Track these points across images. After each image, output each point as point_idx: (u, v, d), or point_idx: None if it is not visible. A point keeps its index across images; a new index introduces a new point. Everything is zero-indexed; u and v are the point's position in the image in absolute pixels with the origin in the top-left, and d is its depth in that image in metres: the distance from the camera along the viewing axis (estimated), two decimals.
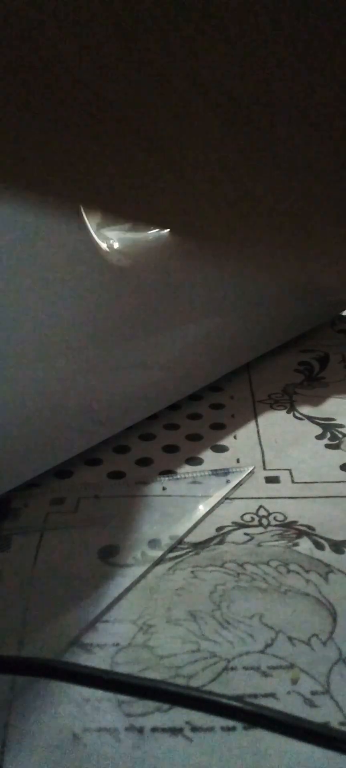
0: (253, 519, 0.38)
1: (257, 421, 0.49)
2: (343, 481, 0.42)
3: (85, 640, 0.31)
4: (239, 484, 0.42)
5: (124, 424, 0.44)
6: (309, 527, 0.38)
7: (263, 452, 0.45)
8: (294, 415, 0.50)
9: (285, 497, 0.41)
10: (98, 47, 0.12)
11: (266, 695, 0.28)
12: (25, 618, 0.32)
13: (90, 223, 0.40)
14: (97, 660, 0.30)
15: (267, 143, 0.15)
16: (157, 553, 0.36)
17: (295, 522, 0.38)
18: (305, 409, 0.51)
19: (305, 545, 0.36)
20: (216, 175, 0.16)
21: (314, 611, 0.32)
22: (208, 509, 0.39)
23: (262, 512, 0.39)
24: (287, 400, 0.52)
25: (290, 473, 0.43)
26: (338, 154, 0.16)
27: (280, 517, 0.39)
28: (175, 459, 0.44)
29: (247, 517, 0.39)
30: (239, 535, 0.37)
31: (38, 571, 0.35)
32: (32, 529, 0.38)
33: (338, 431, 0.47)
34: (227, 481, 0.42)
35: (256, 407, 0.51)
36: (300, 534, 0.37)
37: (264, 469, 0.43)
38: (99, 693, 0.27)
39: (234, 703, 0.26)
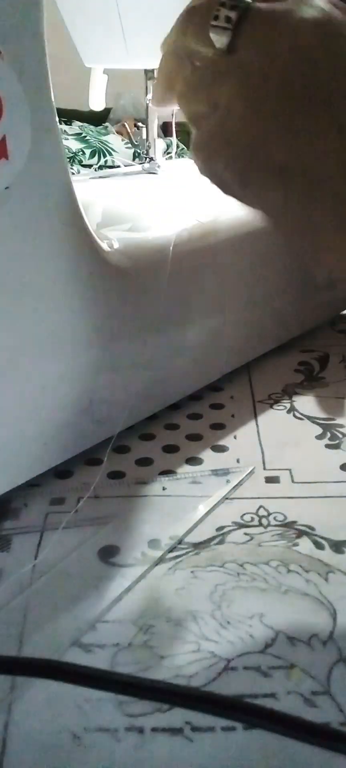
0: (253, 519, 0.38)
1: (257, 421, 0.49)
2: (343, 481, 0.42)
3: (85, 640, 0.31)
4: (239, 484, 0.42)
5: (125, 424, 0.44)
6: (309, 527, 0.38)
7: (263, 452, 0.45)
8: (294, 415, 0.50)
9: (285, 497, 0.41)
10: None
11: (266, 695, 0.28)
12: (25, 618, 0.32)
13: (90, 223, 0.40)
14: (97, 660, 0.30)
15: None
16: (157, 553, 0.36)
17: (295, 522, 0.38)
18: (305, 409, 0.51)
19: (305, 545, 0.36)
20: None
21: (314, 611, 0.32)
22: (208, 509, 0.39)
23: (262, 512, 0.39)
24: (287, 400, 0.52)
25: (290, 473, 0.43)
26: None
27: (280, 517, 0.39)
28: (175, 459, 0.44)
29: (247, 517, 0.39)
30: (239, 535, 0.37)
31: (38, 571, 0.35)
32: (32, 529, 0.38)
33: (338, 431, 0.47)
34: (227, 481, 0.42)
35: (256, 407, 0.51)
36: (300, 534, 0.37)
37: (264, 469, 0.43)
38: (99, 693, 0.27)
39: (234, 703, 0.26)
